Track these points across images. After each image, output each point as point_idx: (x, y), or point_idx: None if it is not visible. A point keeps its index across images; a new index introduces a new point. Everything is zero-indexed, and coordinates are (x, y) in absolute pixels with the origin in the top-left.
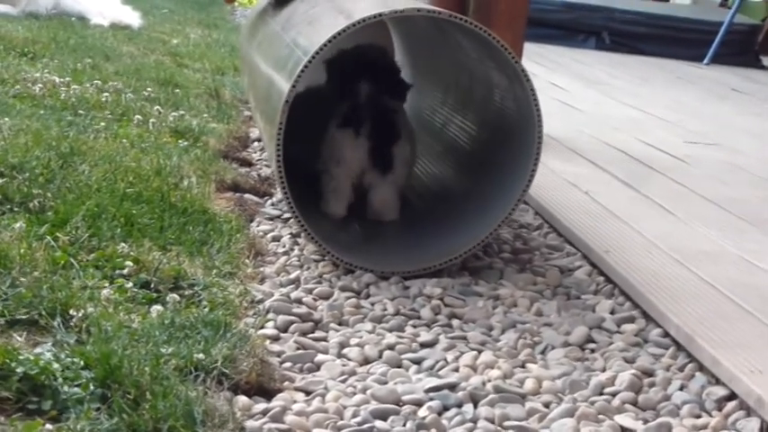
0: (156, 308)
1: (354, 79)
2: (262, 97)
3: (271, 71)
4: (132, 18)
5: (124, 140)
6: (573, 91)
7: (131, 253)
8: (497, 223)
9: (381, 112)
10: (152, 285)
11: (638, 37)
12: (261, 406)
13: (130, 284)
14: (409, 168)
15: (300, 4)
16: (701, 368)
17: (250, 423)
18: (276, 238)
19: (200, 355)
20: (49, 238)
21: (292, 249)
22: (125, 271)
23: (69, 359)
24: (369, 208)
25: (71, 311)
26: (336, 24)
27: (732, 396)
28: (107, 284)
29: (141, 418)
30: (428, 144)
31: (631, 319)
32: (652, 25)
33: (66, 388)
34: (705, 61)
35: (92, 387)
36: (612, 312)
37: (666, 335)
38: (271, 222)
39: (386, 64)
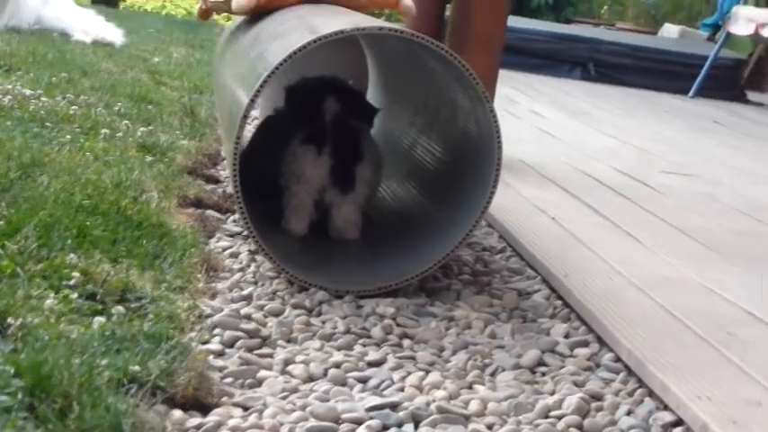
0: (99, 319)
1: (317, 102)
2: (225, 113)
3: (234, 87)
4: (115, 35)
5: (88, 154)
6: (553, 119)
7: (80, 264)
8: (454, 245)
9: (345, 131)
10: (98, 297)
11: (624, 69)
12: (195, 420)
13: (76, 295)
14: (372, 189)
15: (270, 21)
16: (651, 394)
17: None
18: (234, 255)
19: (136, 368)
20: None
21: (249, 266)
22: (72, 282)
23: (1, 367)
24: (330, 226)
25: (9, 320)
26: (301, 39)
27: (679, 422)
28: (52, 295)
29: (67, 428)
30: (394, 165)
31: (585, 344)
32: (638, 57)
33: None
34: (690, 94)
35: (20, 396)
36: (567, 336)
37: (618, 360)
38: (231, 239)
39: (350, 88)
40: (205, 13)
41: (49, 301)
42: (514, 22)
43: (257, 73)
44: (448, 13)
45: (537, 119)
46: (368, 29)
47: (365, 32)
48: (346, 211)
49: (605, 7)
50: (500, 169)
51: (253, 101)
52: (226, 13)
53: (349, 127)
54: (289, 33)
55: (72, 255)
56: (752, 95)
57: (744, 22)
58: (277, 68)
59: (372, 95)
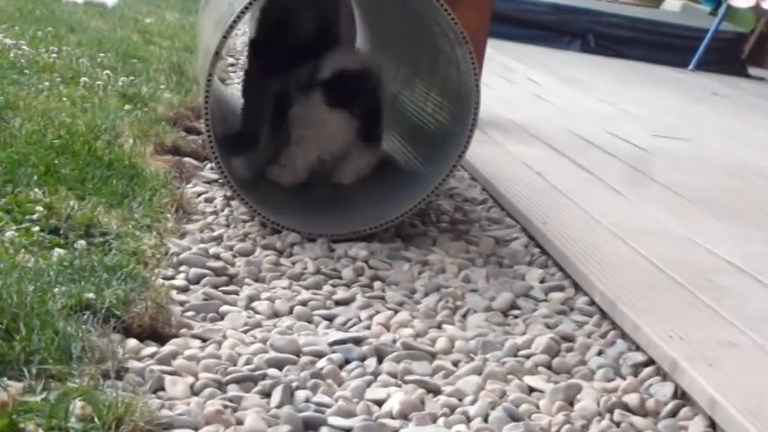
0: (59, 252)
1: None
2: (201, 57)
3: (210, 30)
4: None
5: (65, 99)
6: (549, 86)
7: (45, 200)
8: (428, 191)
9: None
10: (61, 232)
11: (624, 41)
12: (151, 349)
13: (38, 229)
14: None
15: None
16: (623, 335)
17: (134, 364)
18: (209, 200)
19: (91, 295)
20: None
21: (222, 210)
22: (35, 216)
23: None
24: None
25: None
26: None
27: (650, 362)
28: (14, 227)
29: (12, 349)
30: None
31: (560, 288)
32: (638, 30)
33: None
34: (690, 67)
35: None
36: (542, 281)
37: (593, 303)
38: (207, 185)
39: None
40: None
41: (9, 233)
42: None
43: (232, 11)
44: None
45: (532, 85)
46: None
47: None
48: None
49: None
50: (477, 114)
51: (225, 37)
52: None
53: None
54: None
55: (37, 190)
56: (753, 71)
57: None
58: (251, 3)
59: (360, 47)
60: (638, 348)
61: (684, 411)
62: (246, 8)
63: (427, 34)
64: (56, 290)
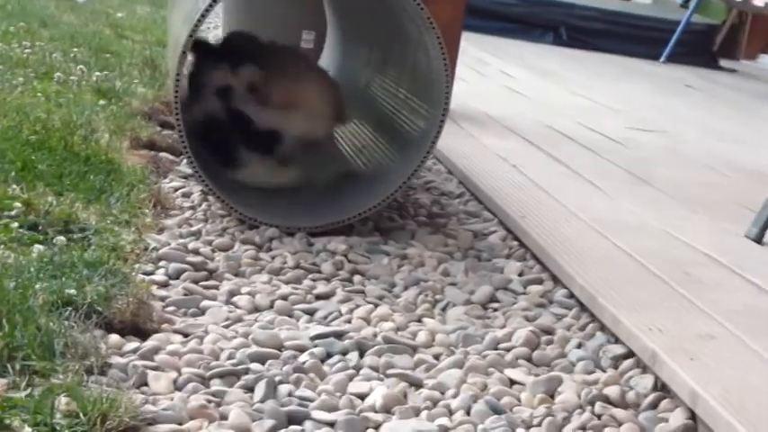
0: (39, 248)
1: None
2: (171, 52)
3: (179, 26)
4: None
5: (40, 95)
6: (523, 80)
7: (23, 196)
8: (402, 181)
9: None
10: (40, 228)
11: (596, 33)
12: (133, 345)
13: (16, 225)
14: None
15: None
16: (603, 328)
17: (117, 359)
18: (186, 195)
19: (72, 291)
20: None
21: (200, 205)
22: (13, 212)
23: None
24: None
25: None
26: None
27: (630, 354)
28: None
29: None
30: (351, 103)
31: (539, 281)
32: (610, 22)
33: None
34: (662, 59)
35: None
36: (521, 274)
37: (572, 296)
38: (184, 180)
39: None
40: None
41: None
42: None
43: (197, 8)
44: None
45: (505, 78)
46: None
47: None
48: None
49: None
50: (449, 100)
51: (191, 35)
52: None
53: None
54: None
55: (15, 186)
56: (724, 63)
57: None
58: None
59: (330, 35)
60: (617, 341)
61: (665, 403)
62: (211, 6)
63: (396, 20)
64: (37, 286)
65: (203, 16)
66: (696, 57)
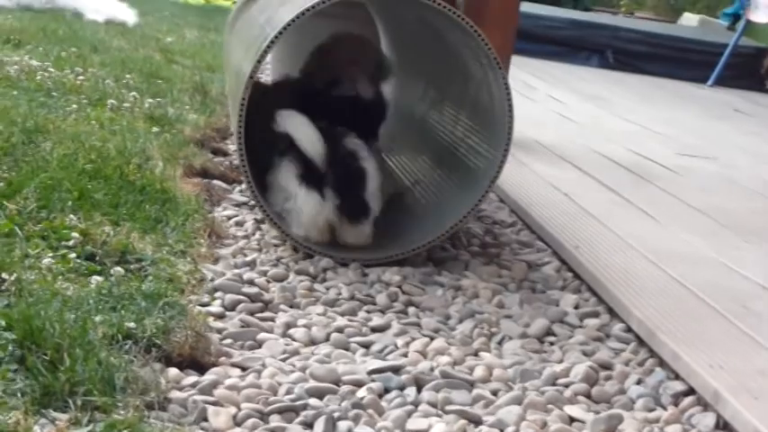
0: (97, 279)
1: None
2: (232, 81)
3: (242, 53)
4: (128, 15)
5: (94, 122)
6: (570, 104)
7: (80, 225)
8: (462, 215)
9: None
10: (97, 258)
11: (642, 56)
12: (192, 378)
13: (74, 255)
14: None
15: None
16: (662, 363)
17: (177, 394)
18: (239, 223)
19: (132, 324)
20: None
21: (253, 234)
22: (70, 242)
23: None
24: (341, 239)
25: (4, 275)
26: (308, 1)
27: (690, 391)
28: (50, 254)
29: (57, 380)
30: (405, 137)
31: (595, 314)
32: (657, 45)
33: None
34: (709, 83)
35: (11, 348)
36: (577, 307)
37: (629, 330)
38: (236, 208)
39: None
40: None
41: (46, 260)
42: (532, 8)
43: (265, 35)
44: None
45: (554, 103)
46: None
47: None
48: (356, 233)
49: None
50: (511, 139)
51: (260, 61)
52: None
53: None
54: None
55: (72, 216)
56: None
57: (764, 10)
58: (285, 29)
59: None
60: (677, 377)
61: None
62: (281, 33)
63: (456, 57)
64: (96, 318)
65: (273, 42)
66: (743, 80)
